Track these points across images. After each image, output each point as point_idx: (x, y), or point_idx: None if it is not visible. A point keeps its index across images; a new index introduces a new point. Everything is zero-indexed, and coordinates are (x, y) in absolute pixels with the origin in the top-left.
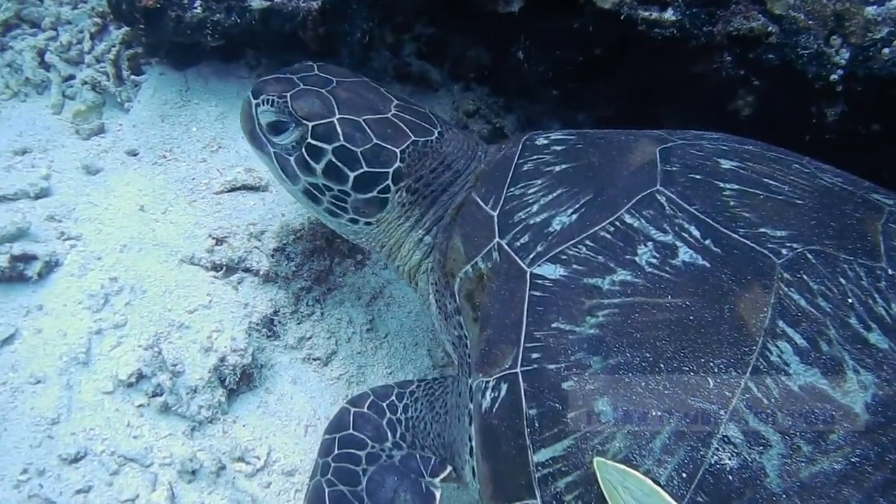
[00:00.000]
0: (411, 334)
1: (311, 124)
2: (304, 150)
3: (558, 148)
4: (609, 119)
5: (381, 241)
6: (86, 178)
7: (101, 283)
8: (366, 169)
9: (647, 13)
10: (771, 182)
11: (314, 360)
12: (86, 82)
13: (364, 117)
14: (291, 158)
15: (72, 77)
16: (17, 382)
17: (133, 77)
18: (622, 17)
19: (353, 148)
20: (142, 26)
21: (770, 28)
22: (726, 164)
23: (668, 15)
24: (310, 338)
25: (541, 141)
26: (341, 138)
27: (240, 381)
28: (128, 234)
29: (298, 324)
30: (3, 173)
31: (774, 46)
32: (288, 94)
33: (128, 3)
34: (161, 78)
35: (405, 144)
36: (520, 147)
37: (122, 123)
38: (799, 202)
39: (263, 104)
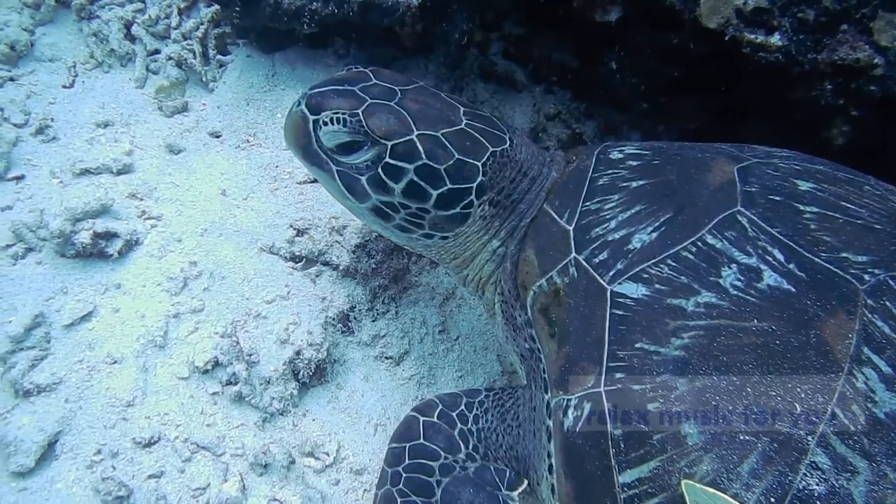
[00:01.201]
0: (481, 338)
1: (390, 144)
2: (380, 169)
3: (634, 163)
4: (690, 132)
5: (455, 253)
6: (168, 157)
7: (180, 266)
8: (450, 186)
9: (752, 36)
10: (848, 205)
11: (387, 358)
12: (171, 58)
13: (442, 131)
14: (363, 178)
15: (157, 52)
16: (93, 361)
17: (219, 57)
18: (726, 38)
19: (436, 166)
20: (237, 9)
21: (876, 60)
22: (803, 185)
23: (775, 40)
24: (384, 336)
25: (615, 155)
26: (423, 156)
27: (313, 376)
28: (208, 217)
29: (373, 321)
30: (86, 145)
31: (878, 78)
32: (360, 112)
33: None
34: (248, 60)
35: (485, 157)
36: (594, 160)
37: (206, 103)
38: (877, 227)
39: (332, 123)
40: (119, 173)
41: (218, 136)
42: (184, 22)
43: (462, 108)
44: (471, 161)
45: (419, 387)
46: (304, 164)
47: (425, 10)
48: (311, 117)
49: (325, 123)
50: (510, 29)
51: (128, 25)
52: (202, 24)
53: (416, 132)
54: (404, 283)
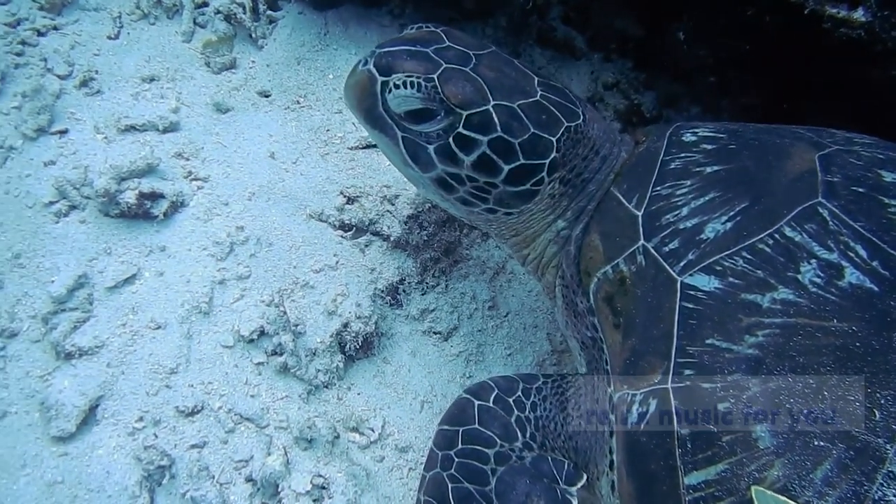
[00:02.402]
0: (531, 315)
1: (465, 113)
2: (451, 139)
3: (709, 147)
4: (752, 107)
5: (516, 230)
6: (215, 116)
7: (227, 231)
8: (522, 161)
9: (834, 10)
10: None
11: (435, 333)
12: (219, 11)
13: (518, 102)
14: (430, 147)
15: (205, 4)
16: (136, 326)
17: (269, 13)
18: (806, 12)
19: (510, 139)
20: None
21: None
22: (888, 176)
23: (858, 15)
24: (433, 310)
25: (688, 137)
26: (499, 129)
27: (360, 349)
28: (256, 181)
29: (423, 294)
30: (131, 100)
31: None
32: (435, 77)
33: None
34: (299, 17)
35: (560, 132)
36: (665, 142)
37: (255, 61)
38: None
39: (404, 87)
40: (165, 131)
41: (267, 96)
42: None
43: (536, 79)
44: (546, 136)
45: (467, 364)
46: (366, 127)
47: None
48: (380, 78)
49: (396, 87)
50: None
51: None
52: None
53: (492, 102)
54: (455, 257)
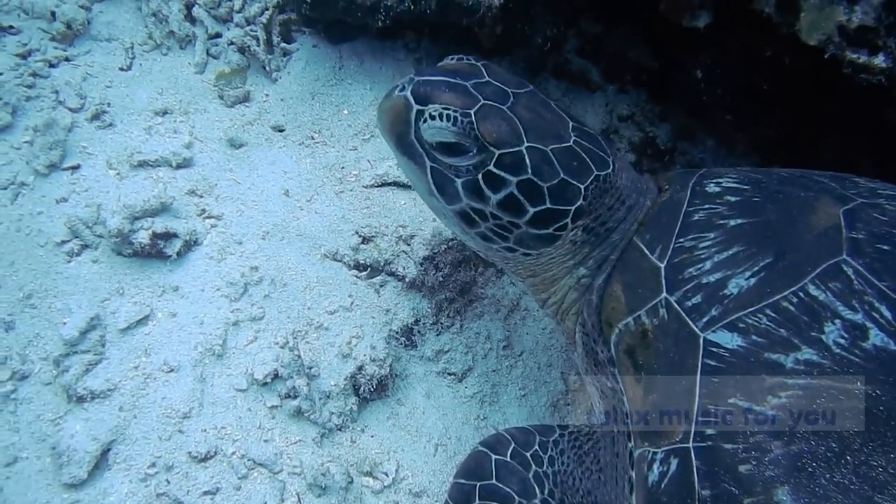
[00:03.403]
0: (546, 354)
1: (498, 152)
2: (480, 176)
3: (732, 199)
4: (768, 139)
5: (534, 271)
6: (229, 152)
7: (241, 271)
8: (549, 206)
9: (854, 56)
10: None
11: (449, 374)
12: (232, 43)
13: (551, 147)
14: (458, 181)
15: (218, 35)
16: (149, 369)
17: (283, 45)
18: (826, 56)
19: (540, 183)
20: (307, 2)
21: None
22: None
23: (878, 61)
24: (447, 351)
25: (712, 188)
26: (529, 171)
27: (374, 391)
28: (271, 219)
29: (438, 335)
30: (144, 135)
31: None
32: (472, 113)
33: None
34: (314, 51)
35: (589, 180)
36: (689, 192)
37: (269, 94)
38: None
39: (440, 119)
40: (178, 167)
41: (281, 131)
42: (247, 6)
43: (571, 123)
44: (574, 183)
45: (482, 405)
46: (396, 152)
47: (507, 10)
48: (416, 107)
49: (432, 118)
50: (587, 26)
51: (189, 6)
52: (267, 9)
53: (525, 144)
54: (470, 296)
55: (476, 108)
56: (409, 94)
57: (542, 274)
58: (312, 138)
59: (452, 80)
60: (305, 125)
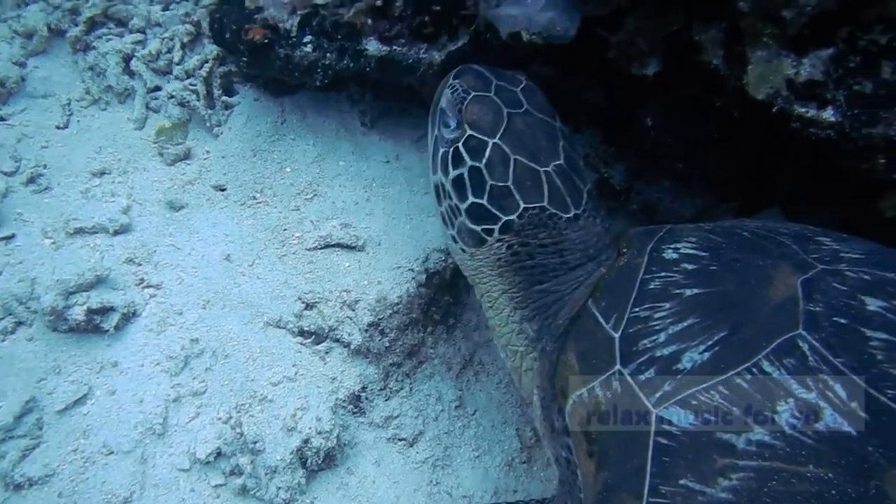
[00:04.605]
0: (500, 411)
1: (468, 133)
2: (451, 150)
3: (689, 267)
4: (723, 180)
5: (475, 281)
6: (168, 215)
7: (181, 344)
8: (484, 202)
9: (803, 110)
10: None
11: (400, 440)
12: (172, 96)
13: (516, 156)
14: (440, 151)
15: (158, 89)
16: (88, 451)
17: (225, 98)
18: (774, 110)
19: (486, 177)
20: (244, 59)
21: None
22: (872, 304)
23: (827, 115)
24: (397, 416)
25: (669, 254)
26: (483, 161)
27: (322, 462)
28: (212, 287)
29: (386, 400)
30: (81, 199)
31: None
32: (470, 95)
33: (232, 34)
34: (255, 105)
35: (533, 205)
36: (646, 258)
37: (210, 150)
38: None
39: (450, 90)
40: (116, 233)
41: (223, 190)
42: (187, 58)
43: (560, 161)
44: (517, 197)
45: (434, 469)
46: (430, 119)
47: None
48: (451, 80)
49: (451, 88)
50: (538, 69)
51: (126, 59)
52: (206, 61)
53: (495, 139)
54: (419, 357)
55: (476, 94)
56: (455, 71)
57: (480, 286)
58: (254, 198)
59: (486, 74)
60: (247, 184)
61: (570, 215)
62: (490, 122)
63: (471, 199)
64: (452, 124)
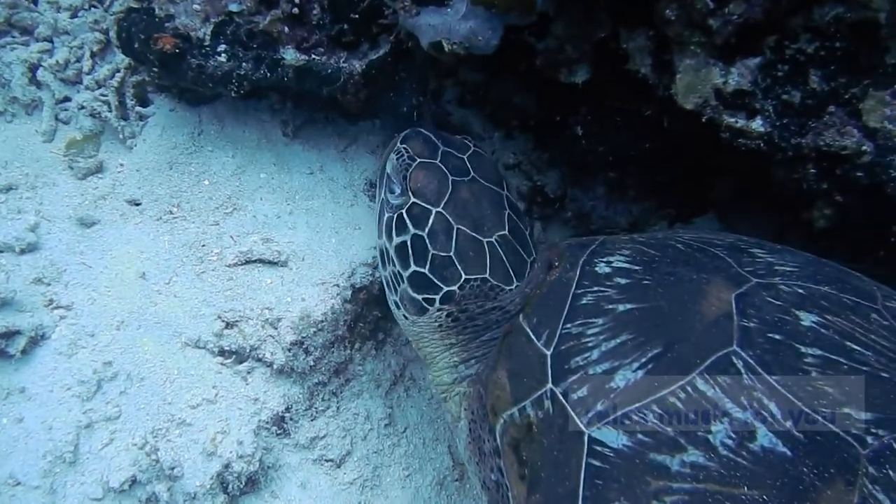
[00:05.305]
0: (431, 427)
1: (412, 200)
2: (395, 216)
3: (622, 281)
4: (657, 188)
5: (417, 343)
6: (79, 232)
7: (93, 367)
8: (426, 272)
9: (732, 120)
10: (854, 347)
11: (326, 461)
12: (83, 107)
13: (459, 226)
14: (386, 216)
15: (67, 99)
16: None
17: (139, 109)
18: (703, 120)
19: (428, 245)
20: (155, 69)
21: (864, 147)
22: (806, 319)
23: (756, 125)
24: (323, 437)
25: (602, 268)
26: (426, 230)
27: (244, 487)
28: (126, 306)
29: (312, 421)
30: None
31: (865, 165)
32: (416, 161)
33: (141, 43)
34: (171, 115)
35: (475, 277)
36: (578, 272)
37: (124, 163)
38: (884, 375)
39: (396, 155)
40: (23, 252)
41: (137, 205)
42: (98, 67)
43: (504, 232)
44: (458, 268)
45: (362, 491)
46: (377, 181)
47: (370, 77)
48: (399, 145)
49: (396, 153)
50: (467, 75)
51: (33, 69)
52: (118, 71)
53: (438, 208)
54: (347, 375)
55: (422, 161)
56: (405, 132)
57: (424, 349)
58: (171, 212)
59: (433, 140)
60: (163, 198)
61: (513, 287)
62: (434, 189)
63: (413, 267)
64: (397, 190)
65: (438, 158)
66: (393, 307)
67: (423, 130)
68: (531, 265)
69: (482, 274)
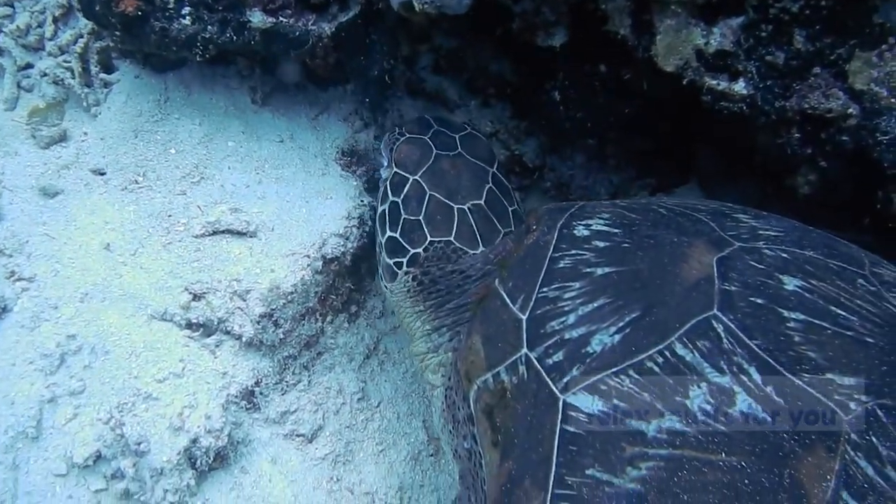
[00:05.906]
0: (406, 401)
1: (394, 171)
2: (382, 190)
3: (601, 244)
4: (638, 156)
5: (399, 315)
6: (42, 202)
7: (56, 340)
8: (396, 236)
9: (714, 82)
10: (839, 311)
11: (298, 436)
12: (45, 74)
13: (432, 193)
14: (380, 191)
15: (29, 66)
16: None
17: (103, 75)
18: (684, 82)
19: (401, 210)
20: (117, 33)
21: (850, 110)
22: (790, 283)
23: (739, 87)
24: (294, 411)
25: (580, 231)
26: (401, 196)
27: (213, 462)
28: (90, 278)
29: (282, 394)
30: None
31: (851, 129)
32: (405, 136)
33: (102, 6)
34: (136, 82)
35: (439, 240)
36: (556, 235)
37: (88, 132)
38: (869, 340)
39: (390, 132)
40: None
41: (102, 174)
42: (60, 33)
43: (480, 201)
44: (424, 231)
45: (334, 466)
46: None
47: (339, 40)
48: (397, 129)
49: (390, 132)
50: (441, 41)
51: None
52: (81, 36)
53: (415, 176)
54: (318, 348)
55: (411, 136)
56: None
57: (403, 320)
58: (136, 182)
59: (430, 122)
60: (129, 167)
61: (478, 251)
62: (415, 160)
63: (388, 233)
64: (385, 163)
65: (428, 135)
66: (378, 280)
67: (427, 116)
68: (504, 232)
69: (447, 237)
